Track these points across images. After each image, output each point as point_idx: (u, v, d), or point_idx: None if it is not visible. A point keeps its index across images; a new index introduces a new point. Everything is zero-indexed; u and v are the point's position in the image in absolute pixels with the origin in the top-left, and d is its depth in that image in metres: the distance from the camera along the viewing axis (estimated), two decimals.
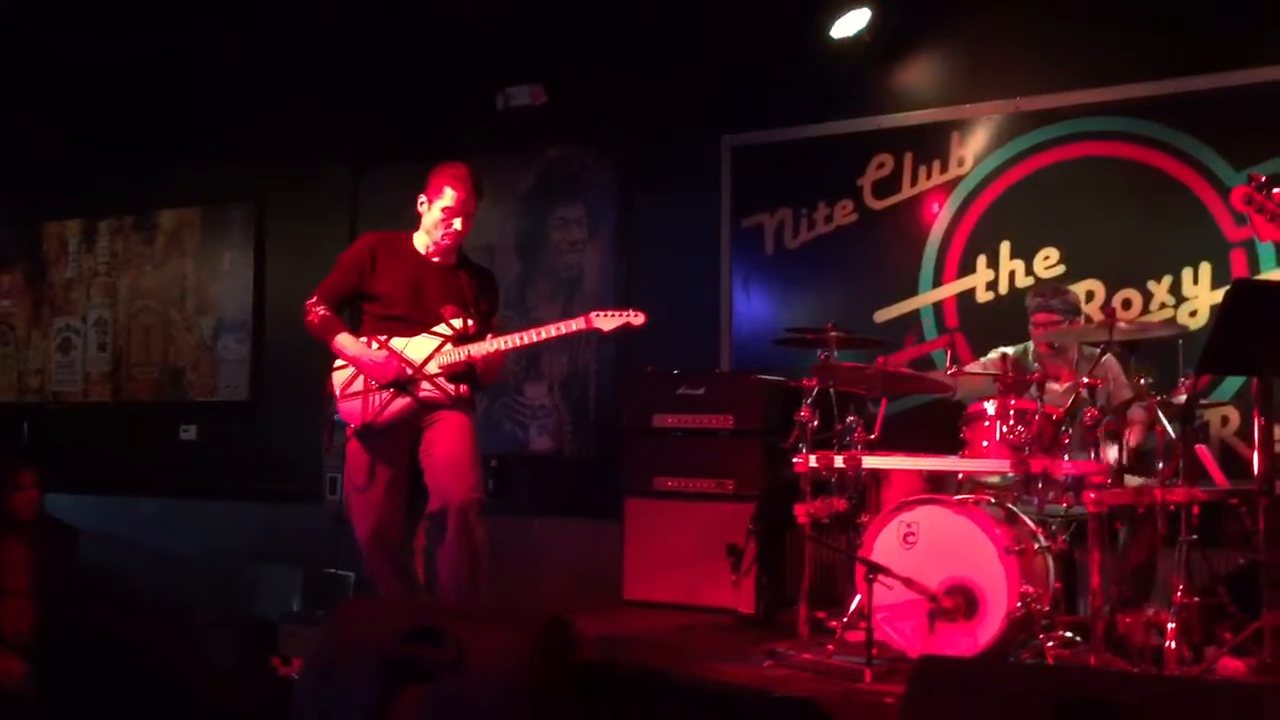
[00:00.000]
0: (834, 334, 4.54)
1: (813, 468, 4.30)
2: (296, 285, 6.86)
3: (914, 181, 5.78)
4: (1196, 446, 4.27)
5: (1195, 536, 3.87)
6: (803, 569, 4.40)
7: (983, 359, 4.99)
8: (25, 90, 7.49)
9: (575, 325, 4.17)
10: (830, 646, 4.06)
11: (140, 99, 7.37)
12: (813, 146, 6.01)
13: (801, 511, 4.33)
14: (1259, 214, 3.60)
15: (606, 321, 4.16)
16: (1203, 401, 4.71)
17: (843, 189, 5.90)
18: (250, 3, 6.42)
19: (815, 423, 4.41)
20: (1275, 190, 3.60)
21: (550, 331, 4.19)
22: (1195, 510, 3.87)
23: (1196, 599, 3.85)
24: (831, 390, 4.55)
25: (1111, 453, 4.14)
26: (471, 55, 6.50)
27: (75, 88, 7.44)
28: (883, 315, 5.77)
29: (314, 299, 4.30)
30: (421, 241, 4.35)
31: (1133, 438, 4.48)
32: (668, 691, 3.42)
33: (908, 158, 5.79)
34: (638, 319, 4.18)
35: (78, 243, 8.12)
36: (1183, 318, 5.11)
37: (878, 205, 5.85)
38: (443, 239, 4.29)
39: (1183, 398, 4.09)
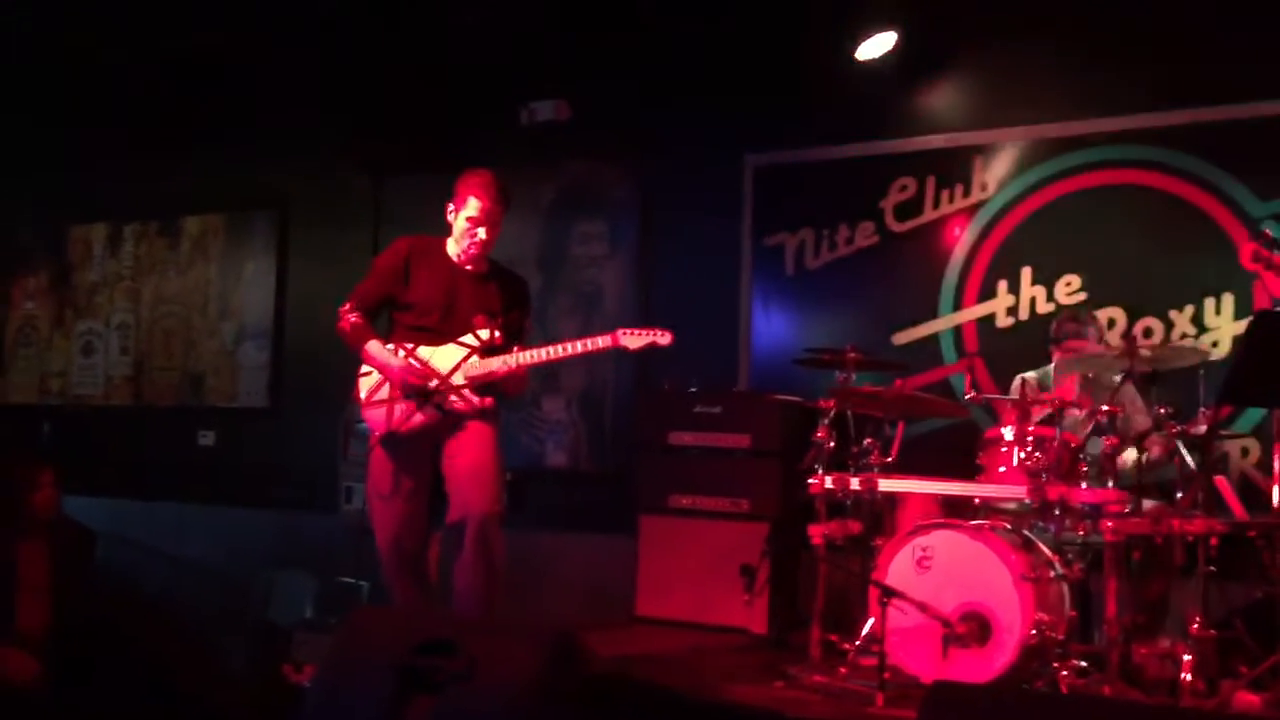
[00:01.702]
0: (853, 356, 4.54)
1: (828, 489, 4.29)
2: (318, 293, 6.93)
3: (936, 205, 5.78)
4: (1216, 478, 4.24)
5: (1213, 568, 3.84)
6: (816, 591, 4.38)
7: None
8: (55, 95, 7.57)
9: (602, 342, 4.14)
10: (842, 669, 4.04)
11: (167, 106, 7.44)
12: (835, 167, 6.01)
13: (816, 533, 4.32)
14: (1268, 270, 3.60)
15: (633, 340, 4.13)
16: (1223, 432, 4.68)
17: (864, 211, 5.90)
18: (278, 12, 6.47)
19: (832, 444, 4.40)
20: None
21: (576, 348, 4.16)
22: (1213, 542, 3.84)
23: (1213, 631, 3.81)
24: (849, 412, 4.54)
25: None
26: (497, 68, 6.53)
27: (104, 93, 7.51)
28: (902, 338, 5.76)
29: (347, 305, 4.28)
30: (453, 249, 4.35)
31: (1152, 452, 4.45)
32: (678, 709, 3.41)
33: (930, 181, 5.79)
34: (664, 339, 4.13)
35: (103, 246, 8.19)
36: (1204, 348, 5.08)
37: (899, 228, 5.85)
38: (469, 248, 4.28)
39: (1203, 428, 4.06)
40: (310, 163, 7.21)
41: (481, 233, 4.26)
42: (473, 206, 4.25)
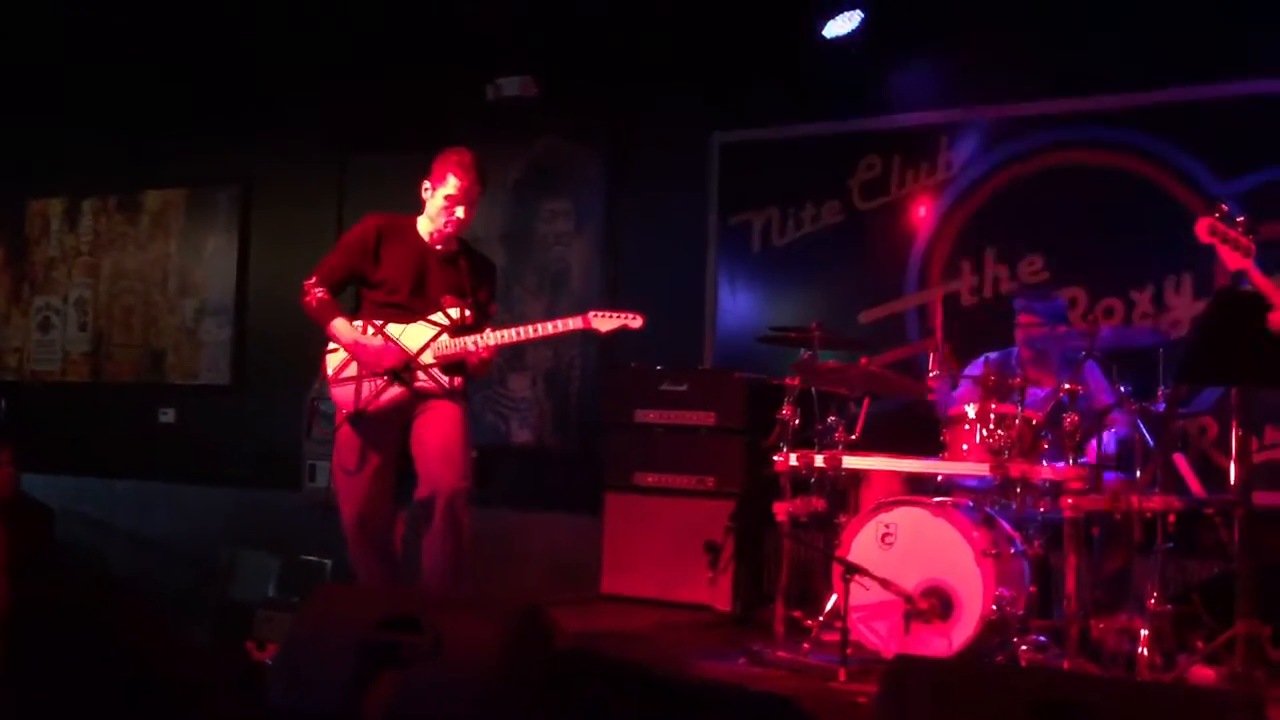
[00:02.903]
0: (818, 333, 4.56)
1: (793, 466, 4.32)
2: (280, 271, 6.87)
3: (902, 184, 5.79)
4: (1174, 455, 4.29)
5: (1171, 545, 3.90)
6: (780, 567, 4.41)
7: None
8: (11, 67, 7.43)
9: (573, 324, 4.13)
10: (805, 645, 4.07)
11: (129, 80, 7.33)
12: (802, 146, 6.02)
13: (780, 510, 4.35)
14: (1223, 244, 3.64)
15: (604, 322, 4.12)
16: (1181, 411, 4.74)
17: (831, 189, 5.91)
18: None
19: (796, 421, 4.42)
20: (1238, 219, 3.64)
21: (547, 329, 4.14)
22: (1171, 519, 3.90)
23: (1170, 607, 3.88)
24: (814, 389, 4.56)
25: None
26: (462, 45, 6.47)
27: (64, 67, 7.39)
28: (868, 316, 5.79)
29: (312, 279, 4.22)
30: (425, 227, 4.29)
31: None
32: (644, 683, 3.42)
33: (896, 160, 5.80)
34: (635, 322, 4.13)
35: (60, 221, 8.06)
36: (1164, 327, 5.13)
37: (865, 206, 5.86)
38: (445, 226, 4.25)
39: (1161, 407, 4.11)
40: (274, 139, 7.13)
41: (460, 211, 4.23)
42: (452, 184, 4.21)
